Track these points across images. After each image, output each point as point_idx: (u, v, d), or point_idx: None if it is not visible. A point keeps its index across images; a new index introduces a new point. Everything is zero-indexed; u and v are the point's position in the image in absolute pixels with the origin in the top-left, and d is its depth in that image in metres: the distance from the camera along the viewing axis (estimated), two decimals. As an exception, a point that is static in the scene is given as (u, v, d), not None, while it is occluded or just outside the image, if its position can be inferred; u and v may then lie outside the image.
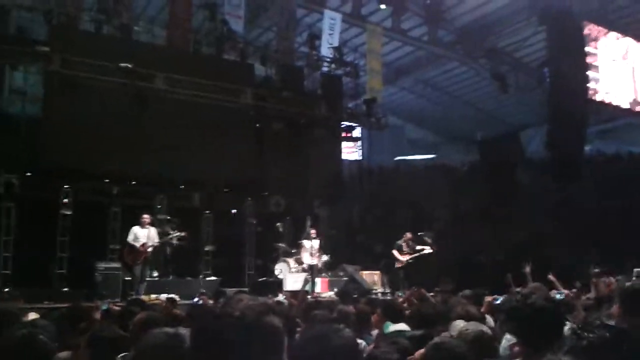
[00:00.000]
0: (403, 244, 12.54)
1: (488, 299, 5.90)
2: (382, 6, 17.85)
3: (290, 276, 11.43)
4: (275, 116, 14.42)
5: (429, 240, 12.67)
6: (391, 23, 18.54)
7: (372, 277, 12.63)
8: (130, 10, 14.03)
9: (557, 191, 15.16)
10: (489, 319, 4.58)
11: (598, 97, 17.44)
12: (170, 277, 10.91)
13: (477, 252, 14.10)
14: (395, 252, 12.36)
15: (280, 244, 12.42)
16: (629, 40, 18.61)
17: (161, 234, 10.56)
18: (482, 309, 5.05)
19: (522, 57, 19.65)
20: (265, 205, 13.56)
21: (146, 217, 10.34)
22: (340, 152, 16.59)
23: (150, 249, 10.17)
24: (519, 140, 17.16)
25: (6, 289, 9.18)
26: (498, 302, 5.85)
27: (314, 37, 16.89)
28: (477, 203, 14.81)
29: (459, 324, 3.28)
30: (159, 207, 11.39)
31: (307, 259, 11.82)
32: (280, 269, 11.94)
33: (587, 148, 17.58)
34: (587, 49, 17.16)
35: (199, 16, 15.26)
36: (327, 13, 17.65)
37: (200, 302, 7.61)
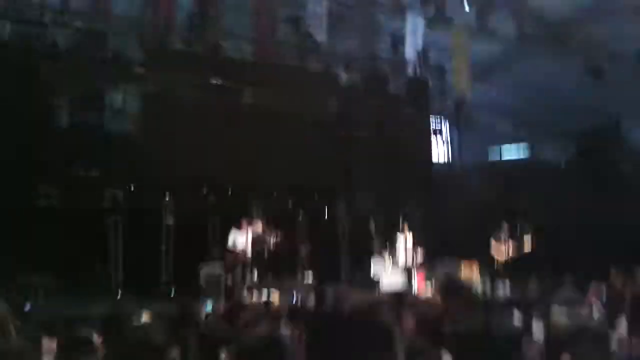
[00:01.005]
0: (502, 235, 12.32)
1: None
2: (467, 9, 17.54)
3: (386, 275, 11.43)
4: (362, 122, 14.53)
5: (530, 234, 12.38)
6: (477, 21, 18.18)
7: (469, 269, 12.31)
8: (219, 27, 14.59)
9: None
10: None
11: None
12: (270, 279, 11.19)
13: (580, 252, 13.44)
14: (494, 242, 12.17)
15: (374, 241, 12.50)
16: None
17: (258, 238, 10.88)
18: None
19: (618, 47, 18.66)
20: (356, 206, 13.69)
21: (244, 222, 10.76)
22: (430, 152, 16.45)
23: (248, 253, 10.53)
24: (619, 132, 16.27)
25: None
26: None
27: (397, 41, 16.87)
28: (579, 200, 14.17)
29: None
30: (255, 212, 11.73)
31: (402, 256, 11.80)
32: (376, 268, 11.96)
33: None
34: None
35: (284, 29, 15.61)
36: (410, 17, 17.56)
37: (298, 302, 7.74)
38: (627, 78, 17.58)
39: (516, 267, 11.45)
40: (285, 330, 4.38)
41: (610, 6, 16.97)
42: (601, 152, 15.43)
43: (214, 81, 13.11)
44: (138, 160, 11.61)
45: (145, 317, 5.39)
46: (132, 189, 11.50)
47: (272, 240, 11.00)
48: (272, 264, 11.30)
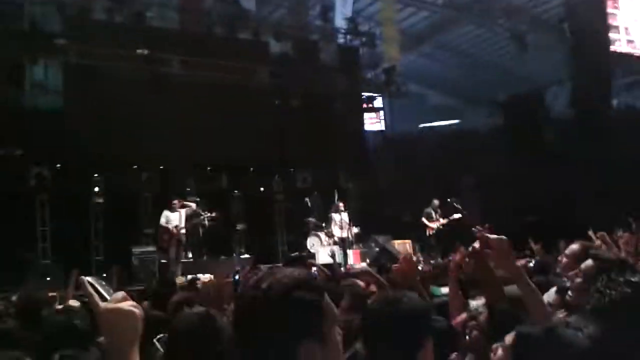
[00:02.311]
0: (432, 211, 12.55)
1: (522, 262, 5.88)
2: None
3: (322, 250, 11.48)
4: (294, 92, 14.35)
5: (458, 206, 12.62)
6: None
7: (404, 247, 12.61)
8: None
9: (585, 149, 14.86)
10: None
11: (622, 49, 17.03)
12: (205, 258, 11.05)
13: (505, 216, 13.93)
14: (424, 220, 12.38)
15: (310, 219, 12.47)
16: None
17: (192, 216, 10.68)
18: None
19: (541, 13, 19.21)
20: (292, 181, 13.60)
21: (176, 202, 10.52)
22: (362, 123, 16.52)
23: (182, 231, 10.32)
24: (543, 99, 16.83)
25: (47, 278, 9.34)
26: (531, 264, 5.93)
27: (327, 9, 16.71)
28: (503, 166, 14.60)
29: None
30: (188, 189, 11.47)
31: (337, 231, 11.88)
32: (312, 243, 11.99)
33: (614, 102, 17.20)
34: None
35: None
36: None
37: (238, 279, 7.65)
38: (549, 45, 18.17)
39: (447, 240, 11.69)
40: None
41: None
42: (525, 119, 15.90)
43: (140, 52, 12.53)
44: (63, 137, 11.07)
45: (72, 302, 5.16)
46: (59, 167, 10.95)
47: (206, 218, 10.83)
48: (206, 242, 11.16)
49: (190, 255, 10.90)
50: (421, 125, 19.55)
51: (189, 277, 8.22)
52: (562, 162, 14.45)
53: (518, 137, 15.47)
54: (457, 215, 12.56)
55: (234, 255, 11.70)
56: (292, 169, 13.73)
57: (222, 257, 11.47)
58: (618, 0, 17.25)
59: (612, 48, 16.60)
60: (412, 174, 14.81)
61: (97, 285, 1.64)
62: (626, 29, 17.24)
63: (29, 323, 3.77)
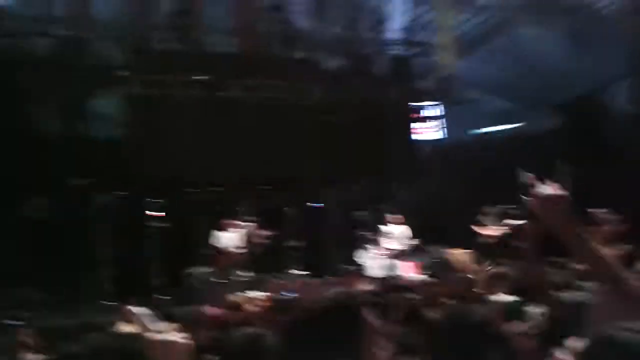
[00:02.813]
0: (488, 218, 12.43)
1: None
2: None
3: (372, 263, 11.59)
4: (348, 107, 14.57)
5: (518, 213, 12.44)
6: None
7: (463, 256, 12.51)
8: (201, 22, 14.62)
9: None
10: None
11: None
12: (262, 275, 11.33)
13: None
14: (477, 228, 12.29)
15: (363, 232, 12.60)
16: None
17: (246, 235, 11.01)
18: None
19: (600, 10, 18.58)
20: (345, 195, 13.79)
21: (227, 222, 10.89)
22: (415, 133, 16.51)
23: (237, 251, 10.67)
24: (604, 99, 16.30)
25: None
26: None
27: (381, 21, 16.87)
28: (565, 170, 14.21)
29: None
30: (243, 209, 11.85)
31: (392, 244, 11.96)
32: (365, 257, 12.12)
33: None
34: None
35: (265, 19, 15.60)
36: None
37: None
38: (610, 41, 17.56)
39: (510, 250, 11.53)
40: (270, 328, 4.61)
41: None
42: (585, 121, 15.47)
43: (198, 77, 13.13)
44: (128, 165, 11.74)
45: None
46: (124, 194, 11.64)
47: (262, 238, 11.14)
48: (261, 261, 11.45)
49: (245, 274, 11.19)
50: (479, 131, 19.29)
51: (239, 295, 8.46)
52: (625, 160, 13.99)
53: (580, 138, 15.07)
54: (517, 222, 12.38)
55: (289, 272, 11.94)
56: (345, 183, 13.92)
57: (277, 274, 11.72)
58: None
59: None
60: (469, 182, 14.69)
61: (141, 316, 1.80)
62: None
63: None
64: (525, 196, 2.17)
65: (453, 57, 17.49)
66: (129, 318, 1.73)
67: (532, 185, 2.14)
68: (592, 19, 18.03)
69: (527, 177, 2.19)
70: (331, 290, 5.63)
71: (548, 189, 2.06)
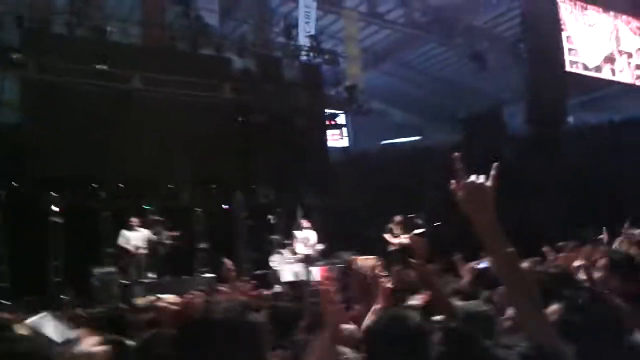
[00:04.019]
0: (394, 227, 12.65)
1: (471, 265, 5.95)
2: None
3: (286, 267, 11.43)
4: (257, 109, 14.33)
5: (421, 222, 12.74)
6: (367, 7, 18.50)
7: (369, 262, 12.61)
8: (102, 10, 13.82)
9: (542, 165, 15.23)
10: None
11: (577, 69, 17.58)
12: (167, 278, 10.86)
13: (465, 231, 14.08)
14: (386, 236, 12.45)
15: (273, 236, 12.39)
16: (604, 12, 18.80)
17: (152, 235, 10.52)
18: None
19: (500, 33, 19.74)
20: (255, 198, 13.52)
21: (134, 220, 10.35)
22: (325, 140, 16.57)
23: (142, 251, 10.15)
24: (500, 117, 17.24)
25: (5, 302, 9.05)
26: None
27: (290, 27, 16.79)
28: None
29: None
30: (148, 208, 11.27)
31: (301, 249, 11.86)
32: (275, 261, 11.92)
33: (569, 119, 17.72)
34: (563, 20, 17.31)
35: (173, 12, 15.05)
36: (302, 1, 17.54)
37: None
38: (507, 64, 18.65)
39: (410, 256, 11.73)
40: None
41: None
42: (483, 136, 16.22)
43: (99, 67, 12.31)
44: (21, 154, 10.77)
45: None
46: (14, 185, 10.64)
47: (167, 237, 10.67)
48: (168, 262, 10.97)
49: (151, 275, 10.69)
50: (383, 142, 19.76)
51: (151, 297, 8.04)
52: (518, 178, 14.76)
53: (476, 153, 15.74)
54: (419, 231, 12.65)
55: (197, 274, 11.51)
56: (255, 186, 13.64)
57: (185, 276, 11.27)
58: (571, 22, 17.81)
59: (567, 68, 17.12)
60: (375, 190, 14.91)
61: (41, 327, 1.53)
62: (578, 50, 17.83)
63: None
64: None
65: (360, 67, 17.77)
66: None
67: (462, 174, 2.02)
68: (493, 41, 19.08)
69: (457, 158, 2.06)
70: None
71: (475, 178, 2.00)
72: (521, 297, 1.88)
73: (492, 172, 1.97)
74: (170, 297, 7.77)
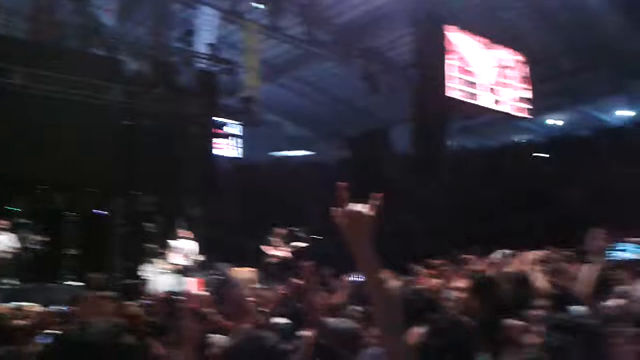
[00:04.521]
0: (275, 239, 12.82)
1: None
2: (257, 5, 17.98)
3: (159, 278, 11.28)
4: (146, 113, 14.15)
5: (303, 236, 13.06)
6: (269, 21, 18.74)
7: (247, 274, 12.76)
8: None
9: (423, 185, 16.02)
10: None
11: (460, 96, 18.66)
12: (29, 284, 10.42)
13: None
14: (266, 248, 12.61)
15: (150, 245, 12.22)
16: (490, 44, 20.05)
17: (20, 239, 10.12)
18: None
19: (394, 57, 20.58)
20: (134, 205, 13.29)
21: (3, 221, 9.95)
22: (213, 149, 16.56)
23: (4, 255, 9.75)
24: (387, 137, 17.99)
25: None
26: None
27: (189, 33, 16.77)
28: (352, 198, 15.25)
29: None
30: (13, 210, 10.83)
31: (177, 259, 11.76)
32: (147, 271, 11.76)
33: (449, 143, 18.75)
34: (450, 48, 18.34)
35: (67, 9, 14.66)
36: (203, 9, 17.56)
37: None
38: (398, 87, 19.50)
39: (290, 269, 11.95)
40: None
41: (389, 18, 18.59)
42: (370, 154, 16.88)
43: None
44: None
45: None
46: None
47: (33, 241, 10.32)
48: (32, 268, 10.56)
49: (12, 281, 10.22)
50: (275, 154, 20.06)
51: (13, 304, 7.72)
52: (401, 197, 15.45)
53: (363, 171, 16.36)
54: (301, 244, 12.98)
55: (62, 282, 11.11)
56: (136, 192, 13.38)
57: (49, 284, 10.82)
58: (458, 51, 18.90)
59: (451, 94, 18.13)
60: (262, 202, 15.12)
61: None
62: (462, 78, 18.93)
63: None
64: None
65: (257, 79, 17.95)
66: None
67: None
68: (387, 64, 19.86)
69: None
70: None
71: (358, 206, 2.03)
72: (384, 319, 1.96)
73: (373, 202, 2.01)
74: (34, 307, 7.59)
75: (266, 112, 17.84)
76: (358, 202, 2.08)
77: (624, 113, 23.14)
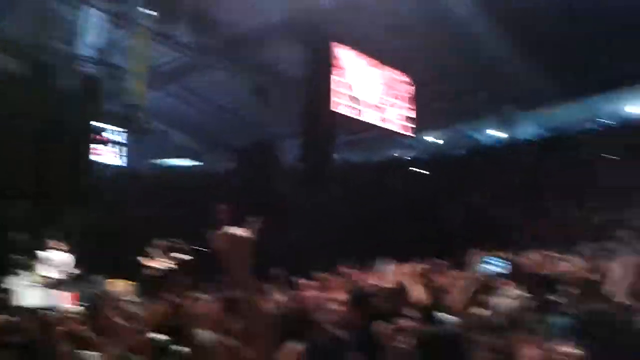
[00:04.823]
0: (155, 251, 12.46)
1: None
2: (146, 10, 17.54)
3: (27, 291, 10.59)
4: (21, 115, 13.31)
5: (184, 248, 12.77)
6: (159, 27, 18.30)
7: (124, 288, 12.30)
8: None
9: (311, 199, 16.24)
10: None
11: (347, 111, 19.19)
12: None
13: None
14: (145, 260, 12.22)
15: (17, 256, 11.44)
16: (377, 63, 20.80)
17: None
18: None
19: (283, 70, 20.81)
20: (5, 212, 12.44)
21: None
22: (90, 156, 15.84)
23: None
24: (275, 150, 18.11)
25: None
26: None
27: (74, 35, 16.07)
28: (234, 211, 15.15)
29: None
30: None
31: (48, 271, 11.10)
32: (15, 284, 10.99)
33: (336, 157, 19.18)
34: (338, 64, 18.83)
35: None
36: (91, 11, 16.88)
37: None
38: (287, 100, 19.73)
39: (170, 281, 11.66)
40: None
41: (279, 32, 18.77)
42: (258, 167, 16.90)
43: None
44: None
45: None
46: None
47: None
48: None
49: None
50: (160, 163, 19.56)
51: None
52: (289, 211, 15.59)
53: (251, 183, 16.35)
54: (182, 257, 12.68)
55: None
56: (7, 199, 12.53)
57: None
58: (346, 68, 19.45)
59: (337, 109, 18.60)
60: (144, 212, 14.66)
61: None
62: (349, 94, 19.51)
63: None
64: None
65: (145, 86, 17.45)
66: None
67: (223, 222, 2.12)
68: (277, 76, 20.03)
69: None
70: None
71: (236, 229, 2.09)
72: (259, 339, 2.01)
73: (251, 226, 2.03)
74: None
75: (153, 121, 17.35)
76: (243, 217, 2.13)
77: (496, 133, 24.87)
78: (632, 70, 18.16)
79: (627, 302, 3.41)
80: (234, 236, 2.02)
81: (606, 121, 21.53)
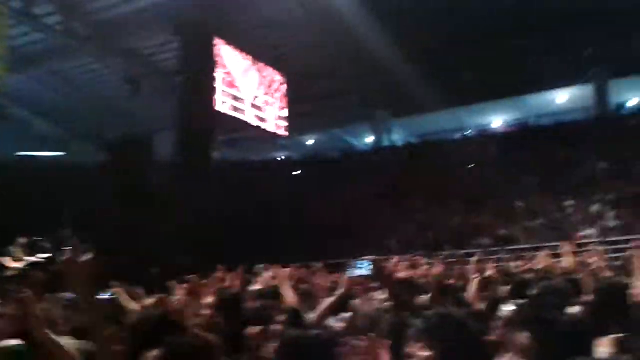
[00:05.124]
0: (17, 249, 11.67)
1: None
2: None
3: None
4: None
5: (47, 246, 12.07)
6: (21, 5, 16.99)
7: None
8: None
9: (186, 194, 15.90)
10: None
11: (227, 109, 19.02)
12: None
13: (114, 254, 13.85)
14: (3, 259, 11.40)
15: None
16: (256, 62, 20.80)
17: None
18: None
19: (158, 61, 20.19)
20: None
21: None
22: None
23: None
24: (149, 143, 17.51)
25: None
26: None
27: None
28: (105, 205, 14.50)
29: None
30: None
31: None
32: None
33: (216, 154, 18.94)
34: (219, 61, 18.59)
35: None
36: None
37: None
38: (163, 92, 19.17)
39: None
40: None
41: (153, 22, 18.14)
42: (131, 159, 16.29)
43: None
44: None
45: None
46: None
47: None
48: None
49: None
50: (22, 154, 18.23)
51: None
52: (163, 205, 15.13)
53: (122, 176, 15.70)
54: (44, 255, 11.97)
55: None
56: None
57: None
58: (227, 65, 19.26)
59: (217, 107, 18.39)
60: (2, 207, 13.59)
61: None
62: (230, 92, 19.36)
63: None
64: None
65: (4, 68, 16.16)
66: None
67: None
68: (150, 68, 19.37)
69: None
70: None
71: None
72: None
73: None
74: None
75: (13, 106, 16.15)
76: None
77: (369, 139, 25.77)
78: (497, 87, 19.70)
79: (479, 307, 3.73)
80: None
81: (470, 131, 23.22)
